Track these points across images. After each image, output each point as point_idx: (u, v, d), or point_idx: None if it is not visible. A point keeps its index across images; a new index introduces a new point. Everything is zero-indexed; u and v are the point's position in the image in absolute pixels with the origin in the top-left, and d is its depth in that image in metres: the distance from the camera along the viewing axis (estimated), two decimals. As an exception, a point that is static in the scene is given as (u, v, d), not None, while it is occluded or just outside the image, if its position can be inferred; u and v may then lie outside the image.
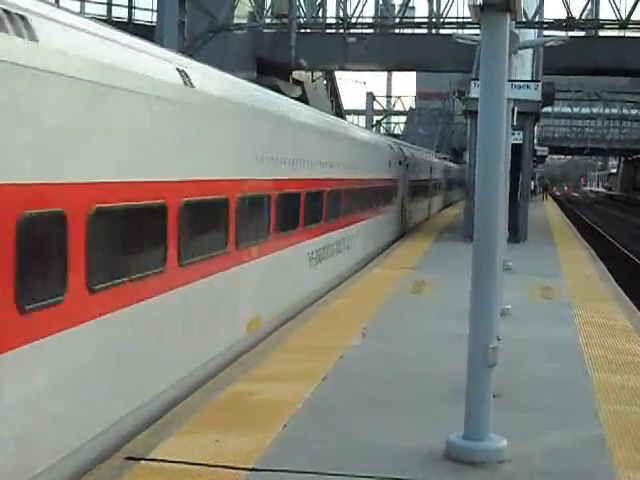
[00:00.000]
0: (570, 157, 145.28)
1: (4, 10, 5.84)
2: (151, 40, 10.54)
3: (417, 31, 34.99)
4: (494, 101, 6.97)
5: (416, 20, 36.19)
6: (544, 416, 8.39)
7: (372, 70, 42.59)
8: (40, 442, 6.15)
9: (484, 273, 7.04)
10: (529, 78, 25.51)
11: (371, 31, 34.77)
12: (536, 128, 36.97)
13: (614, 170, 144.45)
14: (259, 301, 11.73)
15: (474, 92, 24.24)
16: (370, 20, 35.35)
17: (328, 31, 34.51)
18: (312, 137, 15.17)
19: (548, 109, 56.56)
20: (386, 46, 33.73)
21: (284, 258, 12.94)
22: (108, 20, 34.00)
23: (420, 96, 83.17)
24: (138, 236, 8.01)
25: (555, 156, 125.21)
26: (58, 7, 7.41)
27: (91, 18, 8.38)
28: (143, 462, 6.69)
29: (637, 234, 48.74)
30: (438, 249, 25.38)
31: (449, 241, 27.52)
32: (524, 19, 27.94)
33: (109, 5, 37.05)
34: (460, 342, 7.77)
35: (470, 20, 27.90)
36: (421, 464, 6.89)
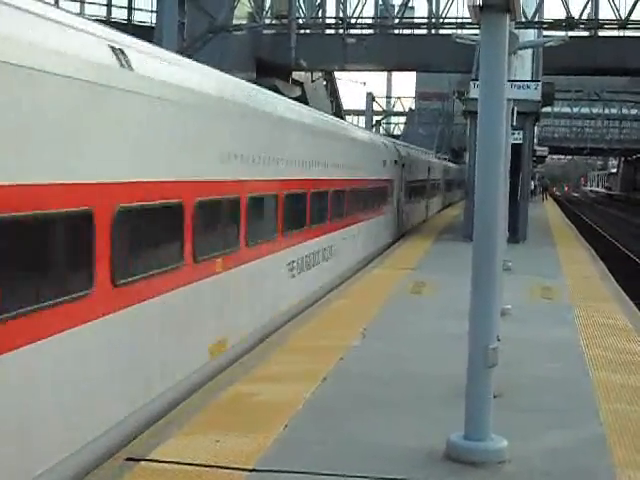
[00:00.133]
0: (570, 157, 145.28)
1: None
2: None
3: (417, 31, 34.99)
4: (494, 101, 6.97)
5: (416, 20, 36.20)
6: (544, 416, 8.39)
7: (372, 70, 42.61)
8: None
9: (484, 273, 7.04)
10: (529, 78, 25.48)
11: (371, 31, 34.78)
12: (536, 128, 36.94)
13: (614, 170, 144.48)
14: (225, 321, 10.24)
15: (474, 92, 24.20)
16: (370, 20, 35.36)
17: (328, 31, 34.52)
18: (292, 133, 13.69)
19: (548, 109, 56.59)
20: (386, 46, 33.73)
21: (258, 270, 11.52)
22: (107, 21, 33.99)
23: (420, 96, 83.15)
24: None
25: (555, 156, 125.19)
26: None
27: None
28: (143, 463, 6.69)
29: (637, 234, 48.72)
30: (438, 249, 25.38)
31: (449, 241, 27.51)
32: (523, 19, 27.94)
33: (108, 6, 37.02)
34: (460, 342, 7.77)
35: (470, 20, 27.91)
36: (421, 464, 6.89)
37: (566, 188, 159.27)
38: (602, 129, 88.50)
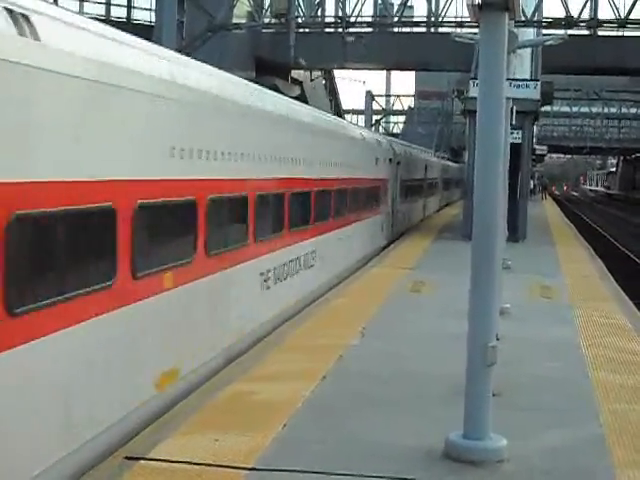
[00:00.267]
0: (569, 156, 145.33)
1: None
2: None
3: (416, 30, 34.99)
4: (493, 100, 6.96)
5: (415, 19, 36.19)
6: (543, 415, 8.38)
7: (371, 69, 42.62)
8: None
9: (483, 272, 7.04)
10: (528, 77, 25.51)
11: (370, 30, 34.77)
12: (535, 127, 36.96)
13: (613, 169, 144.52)
14: (176, 348, 8.69)
15: (473, 91, 24.20)
16: (369, 19, 35.35)
17: (327, 30, 34.50)
18: (266, 126, 12.06)
19: (547, 108, 56.58)
20: (385, 45, 33.74)
21: (221, 283, 10.01)
22: (107, 20, 33.97)
23: (419, 95, 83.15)
24: None
25: (554, 155, 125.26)
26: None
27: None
28: (142, 462, 6.68)
29: (636, 233, 48.72)
30: (437, 248, 25.38)
31: (448, 240, 27.52)
32: (523, 18, 27.93)
33: (108, 5, 37.00)
34: (459, 341, 7.76)
35: (469, 19, 27.90)
36: (420, 463, 6.88)
37: (565, 187, 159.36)
38: (601, 128, 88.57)
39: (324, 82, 47.81)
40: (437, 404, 8.60)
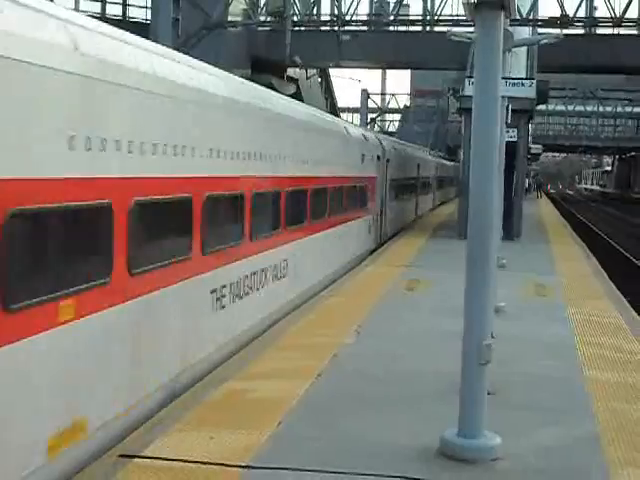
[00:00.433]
0: (564, 155, 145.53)
1: None
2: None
3: (411, 28, 35.02)
4: (488, 99, 6.97)
5: (410, 17, 36.21)
6: (538, 414, 8.39)
7: (367, 67, 42.61)
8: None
9: (478, 270, 7.05)
10: (523, 76, 25.53)
11: (365, 28, 34.78)
12: (530, 126, 36.99)
13: (608, 168, 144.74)
14: (81, 395, 6.82)
15: (468, 90, 24.23)
16: (364, 17, 35.37)
17: (323, 29, 34.52)
18: (212, 112, 9.85)
19: (542, 107, 56.64)
20: (380, 43, 33.73)
21: (153, 307, 8.13)
22: (102, 17, 33.93)
23: (415, 94, 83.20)
24: None
25: (550, 154, 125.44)
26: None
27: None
28: (137, 459, 6.68)
29: (631, 232, 48.80)
30: (432, 247, 25.40)
31: (444, 239, 27.54)
32: (518, 17, 27.96)
33: (103, 2, 36.95)
34: (454, 339, 7.78)
35: (464, 17, 27.93)
36: (415, 461, 6.89)
37: (560, 186, 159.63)
38: (597, 127, 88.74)
39: (320, 80, 47.82)
40: (432, 402, 8.61)
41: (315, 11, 35.32)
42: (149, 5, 34.37)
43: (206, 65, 10.65)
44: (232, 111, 10.69)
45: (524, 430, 7.78)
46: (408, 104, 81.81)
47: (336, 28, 33.39)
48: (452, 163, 62.37)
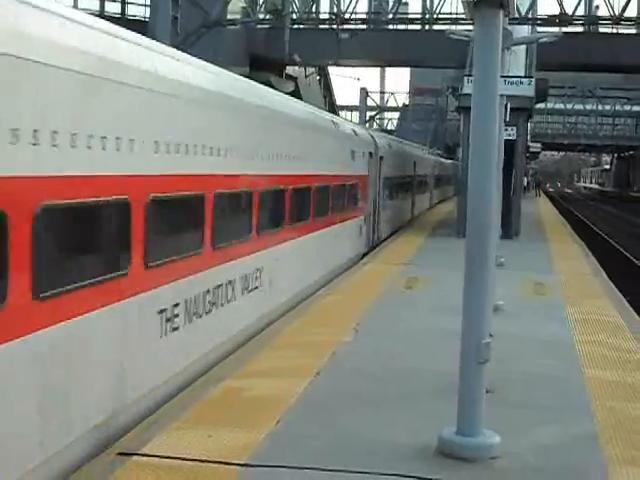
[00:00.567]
0: (563, 153, 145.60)
1: None
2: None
3: (410, 27, 35.06)
4: (487, 97, 6.97)
5: (409, 16, 36.25)
6: (537, 412, 8.39)
7: (366, 66, 42.59)
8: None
9: (477, 269, 7.04)
10: (522, 74, 25.55)
11: (364, 27, 34.81)
12: (529, 124, 37.00)
13: (607, 166, 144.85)
14: None
15: (467, 88, 24.28)
16: (363, 16, 35.42)
17: (321, 27, 34.55)
18: (168, 101, 8.39)
19: (541, 105, 56.66)
20: (379, 42, 33.78)
21: (73, 336, 6.51)
22: (101, 15, 33.92)
23: (414, 92, 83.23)
24: None
25: (548, 152, 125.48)
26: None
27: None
28: (135, 457, 6.67)
29: (631, 232, 48.81)
30: (431, 245, 25.39)
31: (442, 237, 27.54)
32: (517, 15, 27.97)
33: (102, 0, 36.96)
34: (453, 338, 7.77)
35: (464, 16, 27.94)
36: (413, 459, 6.88)
37: (559, 184, 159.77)
38: (595, 125, 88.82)
39: (319, 78, 47.85)
40: (430, 400, 8.60)
41: (314, 9, 35.37)
42: (148, 3, 34.39)
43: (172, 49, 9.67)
44: (194, 103, 9.16)
45: (523, 428, 7.77)
46: (407, 102, 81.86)
47: (335, 26, 33.42)
48: (450, 161, 62.37)
